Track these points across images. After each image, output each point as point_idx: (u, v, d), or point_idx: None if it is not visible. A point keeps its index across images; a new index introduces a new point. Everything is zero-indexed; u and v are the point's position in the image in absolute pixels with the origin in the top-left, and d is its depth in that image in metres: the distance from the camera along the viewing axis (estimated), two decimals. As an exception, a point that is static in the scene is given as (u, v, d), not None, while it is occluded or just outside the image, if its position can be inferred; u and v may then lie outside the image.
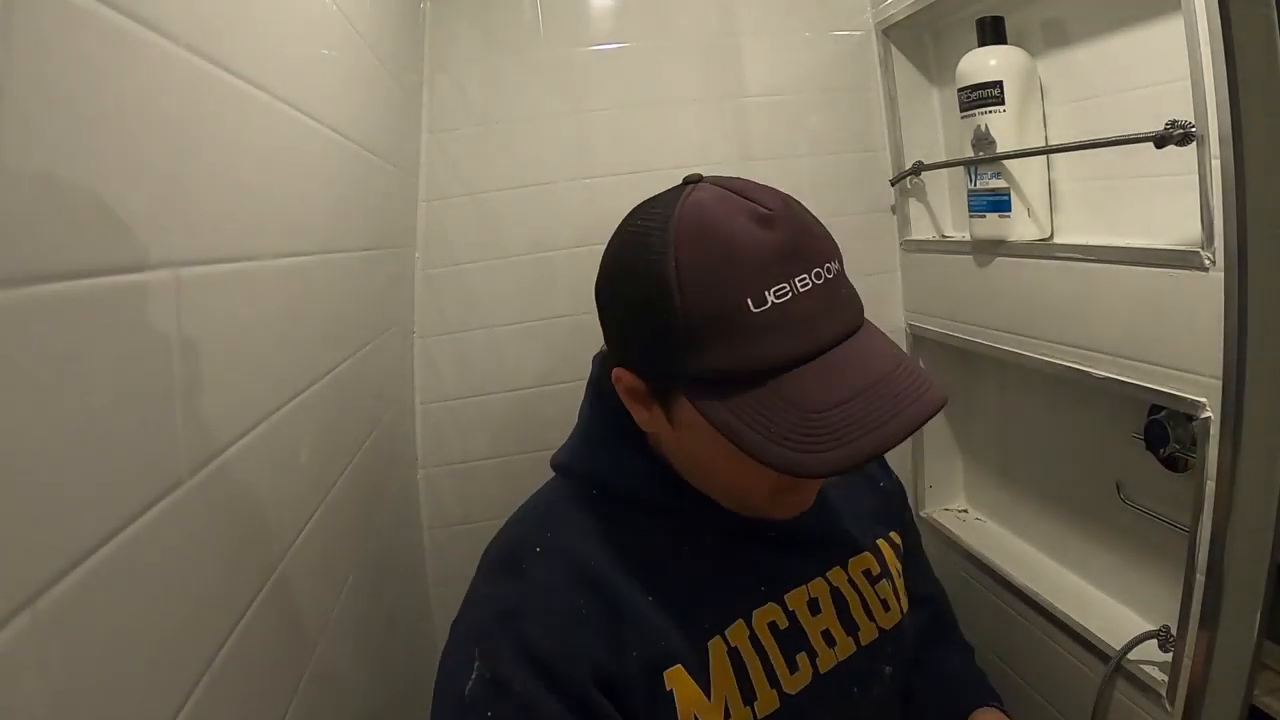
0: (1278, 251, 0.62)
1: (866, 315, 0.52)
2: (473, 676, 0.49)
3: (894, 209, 1.17)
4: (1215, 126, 0.62)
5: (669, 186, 0.55)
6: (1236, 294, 0.62)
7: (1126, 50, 0.78)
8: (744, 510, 0.57)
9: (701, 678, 0.53)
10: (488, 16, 1.08)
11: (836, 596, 0.61)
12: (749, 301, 0.47)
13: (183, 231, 0.40)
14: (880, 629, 0.62)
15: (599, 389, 0.60)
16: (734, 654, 0.55)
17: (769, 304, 0.48)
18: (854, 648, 0.60)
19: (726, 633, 0.55)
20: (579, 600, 0.52)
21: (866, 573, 0.64)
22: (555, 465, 0.62)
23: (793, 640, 0.57)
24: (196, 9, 0.42)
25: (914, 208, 1.14)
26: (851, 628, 0.61)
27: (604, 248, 0.55)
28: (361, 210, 0.79)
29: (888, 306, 1.17)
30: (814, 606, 0.60)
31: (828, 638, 0.59)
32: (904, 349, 1.16)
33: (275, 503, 0.53)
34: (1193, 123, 0.64)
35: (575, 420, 0.64)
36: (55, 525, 0.29)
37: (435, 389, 1.10)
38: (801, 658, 0.57)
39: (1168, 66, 0.69)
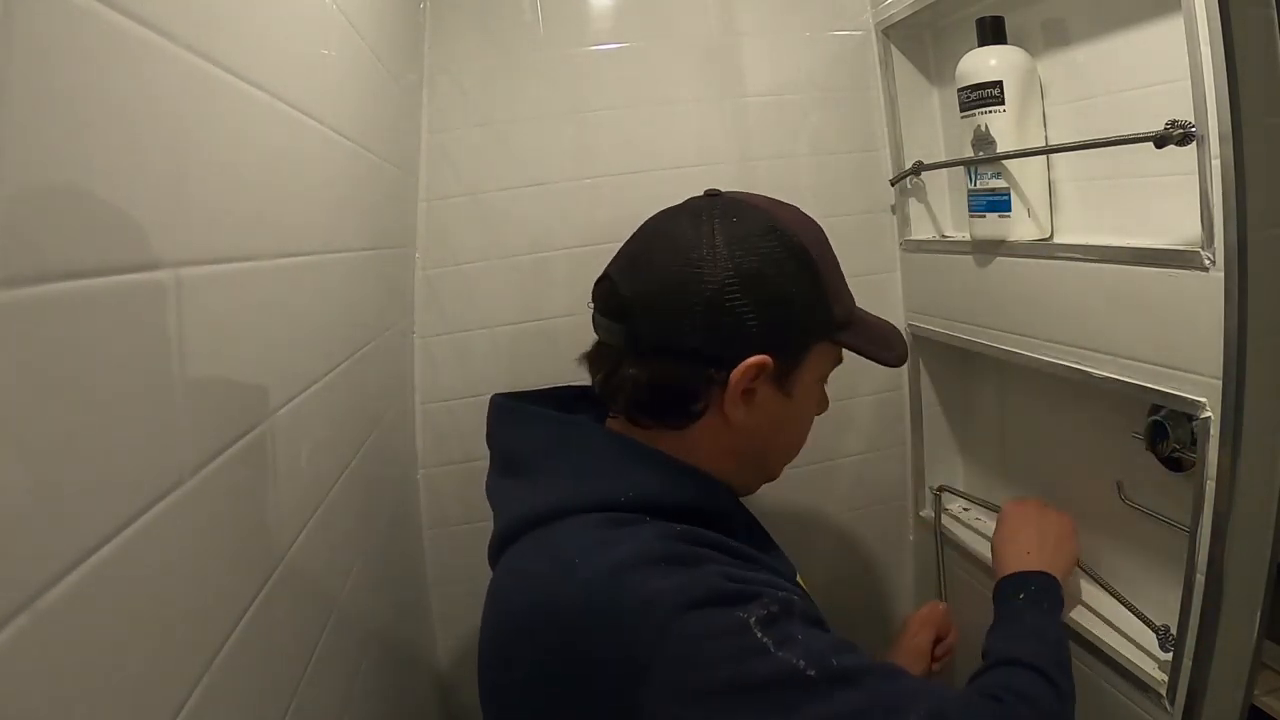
0: (1278, 251, 0.62)
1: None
2: (757, 632, 0.50)
3: (894, 209, 1.17)
4: (1215, 126, 0.62)
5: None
6: (1236, 294, 0.62)
7: (1126, 50, 0.78)
8: (774, 472, 0.71)
9: None
10: (488, 16, 1.08)
11: None
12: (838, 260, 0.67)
13: (183, 231, 0.40)
14: None
15: (595, 429, 0.66)
16: None
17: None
18: None
19: None
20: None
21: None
22: (586, 506, 0.58)
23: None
24: (196, 9, 0.42)
25: (914, 208, 1.14)
26: None
27: (686, 261, 0.62)
28: (361, 210, 0.79)
29: (888, 306, 1.17)
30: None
31: None
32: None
33: (276, 503, 0.53)
34: (1193, 123, 0.64)
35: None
36: (56, 525, 0.29)
37: (435, 389, 1.10)
38: None
39: (1168, 66, 0.69)
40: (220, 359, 0.45)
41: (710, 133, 1.12)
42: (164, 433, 0.37)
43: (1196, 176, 0.65)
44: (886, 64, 1.13)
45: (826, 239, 0.66)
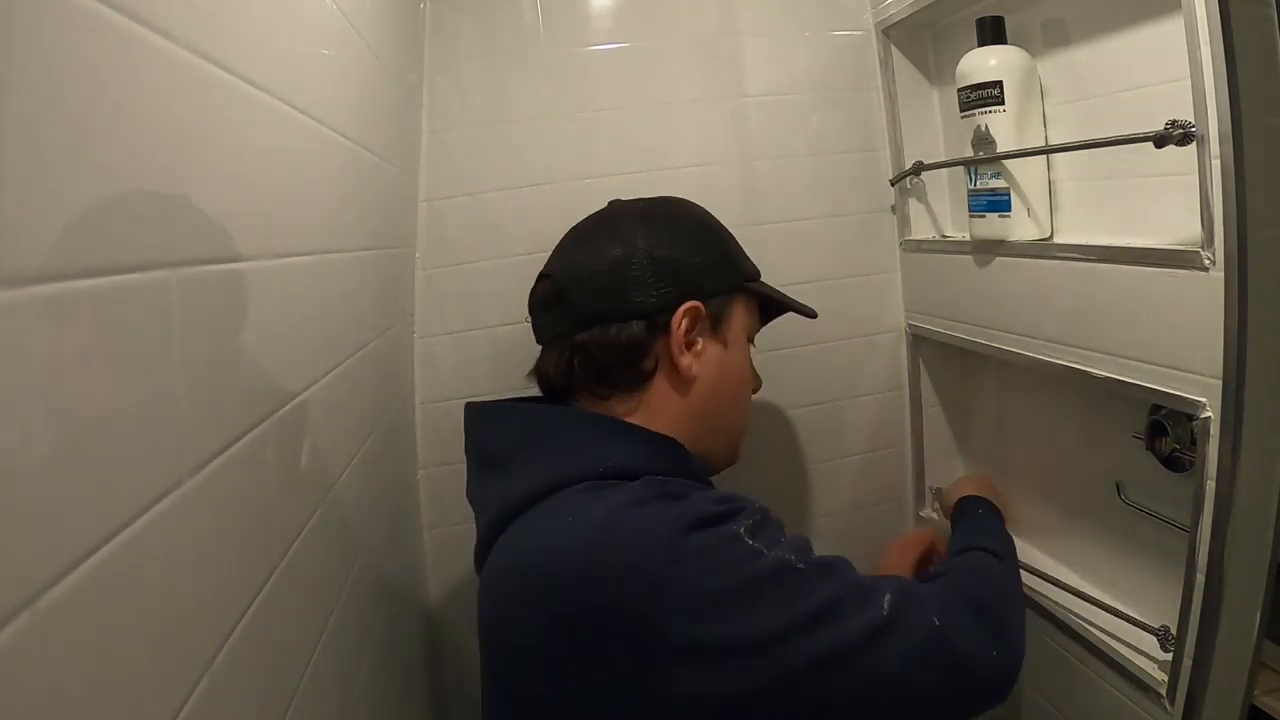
0: (1278, 251, 0.62)
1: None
2: (749, 540, 0.56)
3: (894, 209, 1.17)
4: (1215, 126, 0.62)
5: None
6: (1236, 294, 0.62)
7: (1126, 50, 0.78)
8: (731, 442, 0.77)
9: None
10: (488, 16, 1.08)
11: None
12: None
13: (182, 231, 0.40)
14: None
15: (569, 412, 0.70)
16: None
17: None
18: None
19: None
20: None
21: None
22: (567, 480, 0.61)
23: None
24: (196, 9, 0.42)
25: (914, 208, 1.14)
26: None
27: (611, 239, 0.71)
28: (361, 210, 0.79)
29: (888, 306, 1.17)
30: None
31: None
32: (904, 348, 1.17)
33: (277, 503, 0.53)
34: (1193, 123, 0.64)
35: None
36: (56, 524, 0.29)
37: (435, 389, 1.09)
38: None
39: (1168, 66, 0.69)
40: (220, 359, 0.45)
41: (710, 133, 1.12)
42: (164, 433, 0.37)
43: (1196, 176, 0.65)
44: (886, 64, 1.13)
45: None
